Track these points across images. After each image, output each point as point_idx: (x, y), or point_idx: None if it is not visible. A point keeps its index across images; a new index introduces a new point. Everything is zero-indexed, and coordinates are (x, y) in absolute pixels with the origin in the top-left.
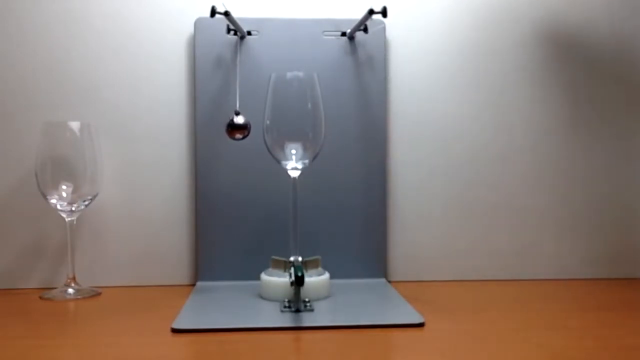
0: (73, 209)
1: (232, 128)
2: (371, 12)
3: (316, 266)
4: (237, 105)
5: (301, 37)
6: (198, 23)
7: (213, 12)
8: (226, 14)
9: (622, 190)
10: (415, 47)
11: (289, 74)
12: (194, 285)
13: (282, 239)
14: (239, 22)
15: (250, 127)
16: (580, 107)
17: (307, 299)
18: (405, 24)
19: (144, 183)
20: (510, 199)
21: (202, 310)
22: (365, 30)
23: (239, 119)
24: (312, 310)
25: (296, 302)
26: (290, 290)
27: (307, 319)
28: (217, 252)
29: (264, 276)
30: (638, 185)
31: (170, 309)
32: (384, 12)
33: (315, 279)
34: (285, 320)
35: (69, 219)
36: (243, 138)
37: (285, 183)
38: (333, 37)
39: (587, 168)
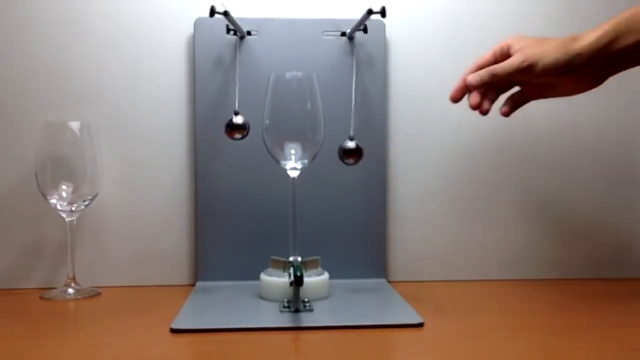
0: (73, 209)
1: (231, 128)
2: (370, 12)
3: (315, 266)
4: (237, 105)
5: (301, 37)
6: (198, 23)
7: (212, 12)
8: (225, 13)
9: (622, 191)
10: (415, 47)
11: (288, 74)
12: (193, 285)
13: (281, 239)
14: (238, 22)
15: (249, 127)
16: (580, 108)
17: (306, 299)
18: (405, 24)
19: (144, 183)
20: (510, 199)
21: (201, 310)
22: (365, 30)
23: (238, 119)
24: (311, 310)
25: (295, 302)
26: (290, 290)
27: (306, 319)
28: (217, 252)
29: (263, 276)
30: (638, 185)
31: (170, 309)
32: (382, 12)
33: (315, 279)
34: (285, 320)
35: (69, 219)
36: (242, 138)
37: (285, 183)
38: (333, 37)
39: (587, 168)
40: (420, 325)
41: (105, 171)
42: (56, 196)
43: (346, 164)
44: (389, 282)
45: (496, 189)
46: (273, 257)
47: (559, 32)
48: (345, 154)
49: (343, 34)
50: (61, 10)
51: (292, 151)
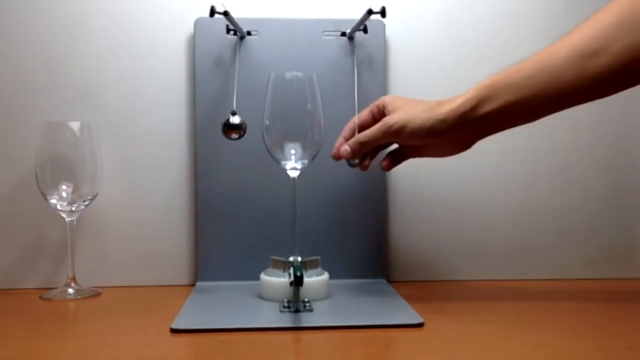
0: (73, 209)
1: (228, 128)
2: (370, 12)
3: (315, 266)
4: (234, 105)
5: (301, 37)
6: (198, 23)
7: (212, 12)
8: (225, 13)
9: (621, 191)
10: (415, 47)
11: (288, 74)
12: (193, 285)
13: (281, 239)
14: (238, 22)
15: (245, 127)
16: (580, 107)
17: (306, 299)
18: (405, 24)
19: (144, 183)
20: (510, 199)
21: (201, 310)
22: (365, 30)
23: (235, 119)
24: (311, 310)
25: (295, 302)
26: (290, 290)
27: (306, 319)
28: (217, 252)
29: (263, 276)
30: (638, 185)
31: (170, 309)
32: (382, 12)
33: (315, 279)
34: (285, 320)
35: (69, 219)
36: (239, 138)
37: (285, 183)
38: (333, 37)
39: (587, 168)
40: (420, 325)
41: (105, 171)
42: (56, 196)
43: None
44: (389, 282)
45: (496, 189)
46: (273, 257)
47: (558, 32)
48: None
49: (343, 34)
50: (61, 10)
51: (292, 151)
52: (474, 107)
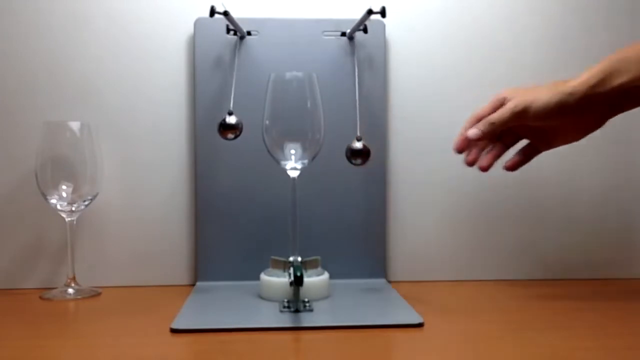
0: (73, 209)
1: (224, 128)
2: (370, 12)
3: (315, 266)
4: (231, 105)
5: (301, 37)
6: (198, 23)
7: (212, 12)
8: (225, 13)
9: (622, 191)
10: (415, 47)
11: (288, 74)
12: (193, 285)
13: (281, 239)
14: (238, 22)
15: (242, 127)
16: None
17: (306, 299)
18: (405, 24)
19: (144, 183)
20: (509, 198)
21: (201, 310)
22: (365, 30)
23: (231, 119)
24: (311, 310)
25: (295, 302)
26: (290, 290)
27: (307, 319)
28: (217, 252)
29: (263, 276)
30: (638, 186)
31: (170, 309)
32: (382, 12)
33: (315, 279)
34: (285, 320)
35: (69, 219)
36: (235, 138)
37: (285, 183)
38: (333, 37)
39: (587, 168)
40: (420, 325)
41: (105, 171)
42: (56, 196)
43: (354, 164)
44: (389, 282)
45: (496, 189)
46: (273, 257)
47: (558, 32)
48: (352, 154)
49: (343, 34)
50: (61, 10)
51: (292, 151)
52: (602, 81)
